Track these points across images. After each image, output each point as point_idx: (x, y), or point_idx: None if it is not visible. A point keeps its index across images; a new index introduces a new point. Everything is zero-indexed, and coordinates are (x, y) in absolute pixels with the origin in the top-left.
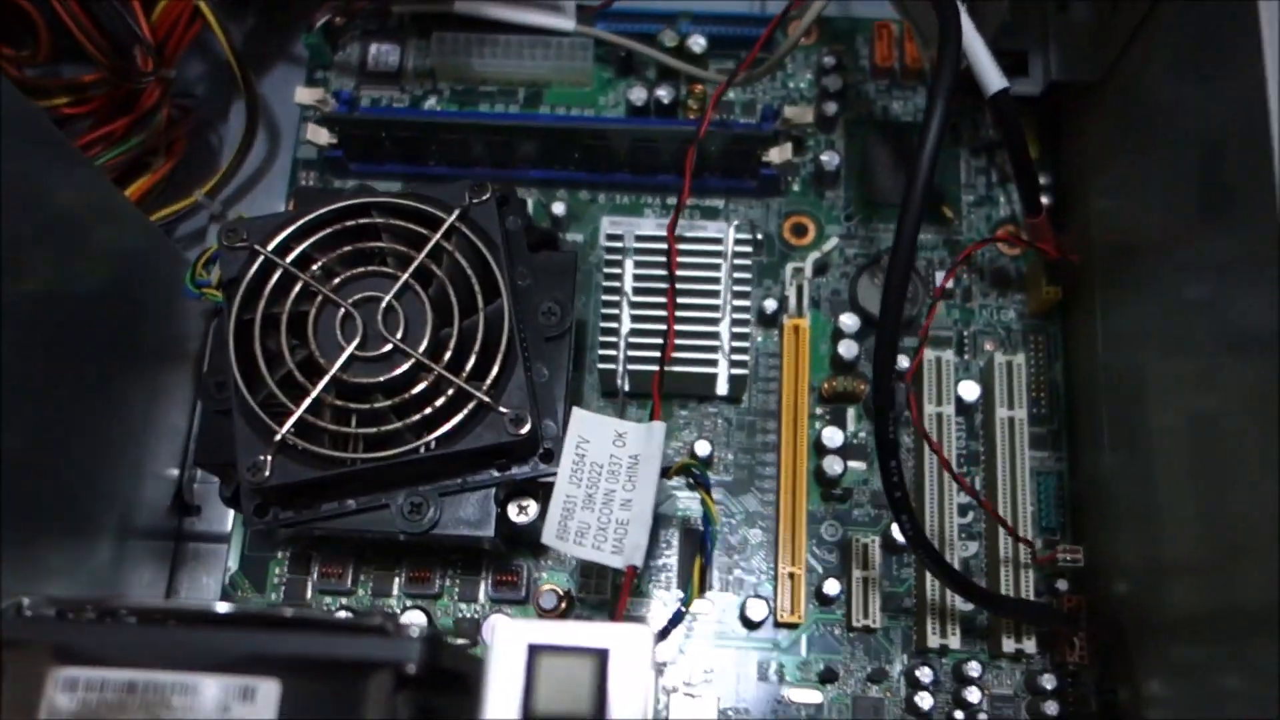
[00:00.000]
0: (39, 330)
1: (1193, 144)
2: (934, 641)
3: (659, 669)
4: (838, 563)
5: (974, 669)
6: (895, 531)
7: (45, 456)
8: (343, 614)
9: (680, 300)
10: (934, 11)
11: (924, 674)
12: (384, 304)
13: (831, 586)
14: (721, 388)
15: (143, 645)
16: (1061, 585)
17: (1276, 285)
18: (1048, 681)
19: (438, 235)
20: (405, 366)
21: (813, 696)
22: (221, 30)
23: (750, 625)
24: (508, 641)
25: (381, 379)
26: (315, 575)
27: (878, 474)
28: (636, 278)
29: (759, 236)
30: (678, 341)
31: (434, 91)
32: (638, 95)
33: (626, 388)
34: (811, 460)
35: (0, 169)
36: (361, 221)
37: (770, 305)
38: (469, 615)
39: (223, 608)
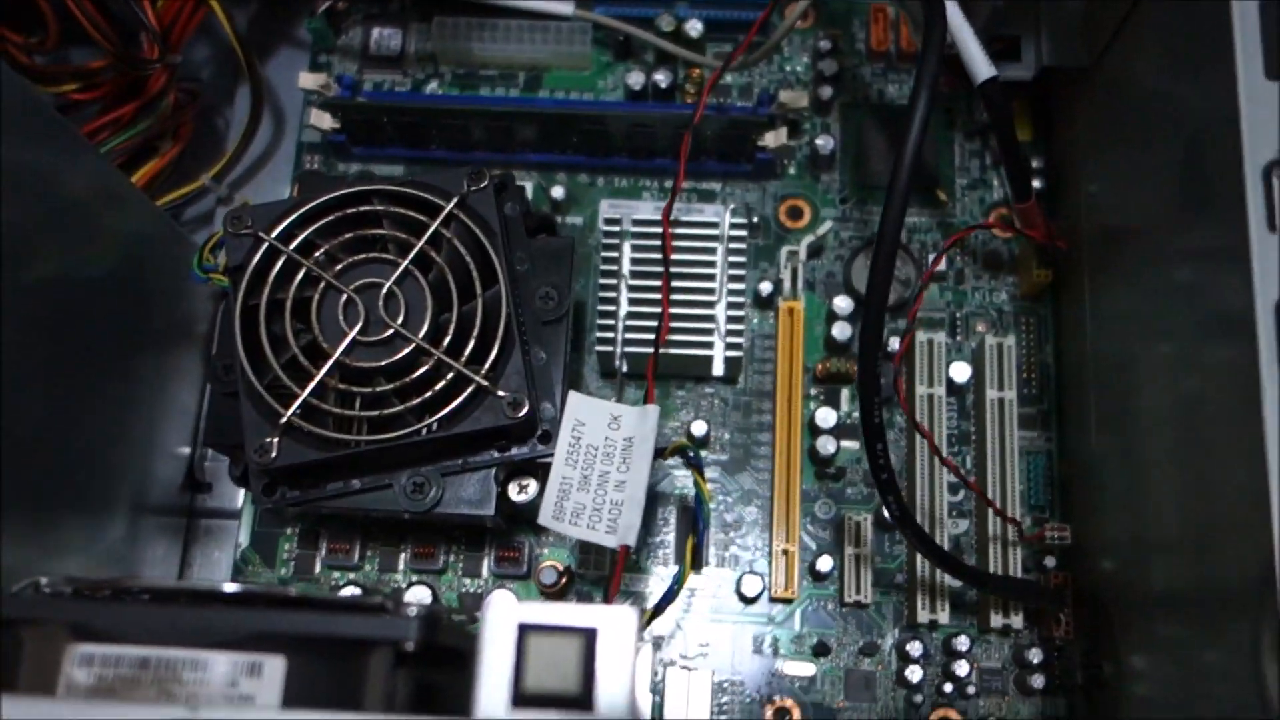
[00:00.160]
0: (52, 314)
1: (1177, 132)
2: (924, 616)
3: (656, 643)
4: (831, 540)
5: (963, 643)
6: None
7: (61, 437)
8: (350, 589)
9: (676, 283)
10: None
11: (914, 648)
12: (385, 290)
13: (825, 563)
14: (718, 369)
15: (155, 623)
16: (1049, 562)
17: (1246, 275)
18: (1034, 656)
19: (436, 222)
20: (406, 351)
21: (806, 669)
22: (226, 16)
23: (746, 600)
24: (499, 621)
25: (383, 363)
26: (323, 551)
27: None
28: (634, 261)
29: (754, 220)
30: (675, 324)
31: (435, 75)
32: (636, 79)
33: (625, 369)
34: (806, 440)
35: (1, 156)
36: (363, 209)
37: (766, 288)
38: (473, 590)
39: (231, 588)
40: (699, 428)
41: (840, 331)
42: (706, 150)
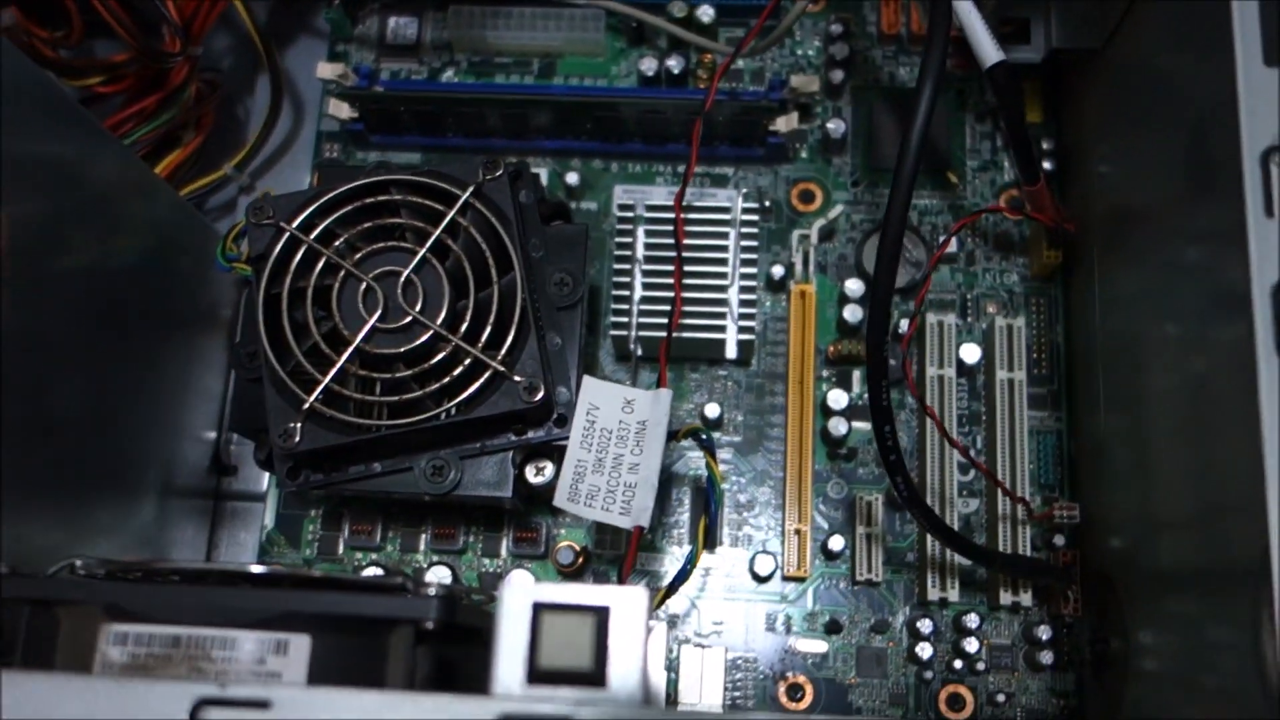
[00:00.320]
0: (83, 303)
1: (1183, 114)
2: (934, 594)
3: (671, 621)
4: (842, 519)
5: (973, 620)
6: None
7: (92, 422)
8: (372, 569)
9: (690, 268)
10: None
11: (925, 625)
12: (403, 278)
13: (836, 542)
14: (730, 351)
15: (186, 603)
16: (1059, 541)
17: (1243, 258)
18: (1043, 632)
19: (453, 211)
20: (424, 337)
21: (818, 646)
22: (245, 7)
23: (759, 579)
24: (514, 600)
25: (402, 349)
26: (346, 532)
27: None
28: (647, 246)
29: (767, 204)
30: (688, 308)
31: (451, 63)
32: (649, 65)
33: (639, 352)
34: (818, 421)
35: None
36: (381, 199)
37: (778, 271)
38: (491, 570)
39: (257, 569)
40: (712, 410)
41: (851, 314)
42: (719, 135)
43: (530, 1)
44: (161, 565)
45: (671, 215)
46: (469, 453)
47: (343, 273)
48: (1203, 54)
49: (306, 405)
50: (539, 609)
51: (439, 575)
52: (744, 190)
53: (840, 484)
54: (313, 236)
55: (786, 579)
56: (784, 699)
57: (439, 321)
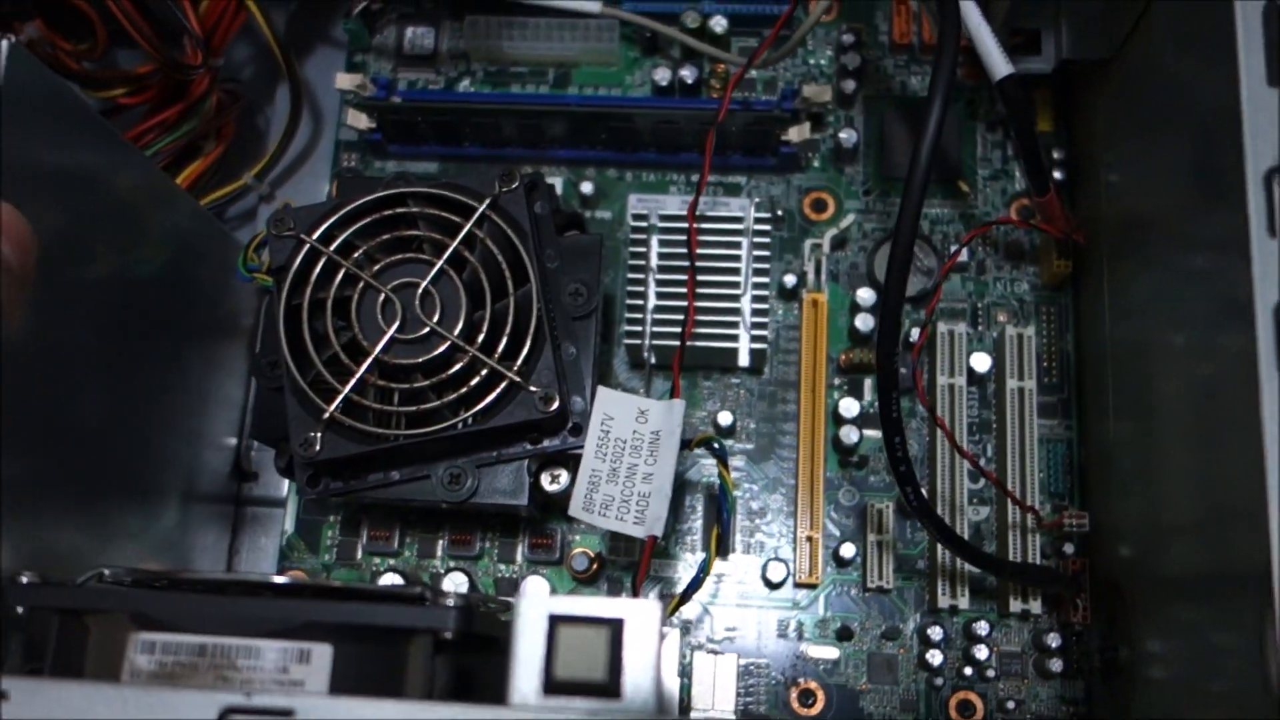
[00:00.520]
0: (107, 312)
1: (1193, 123)
2: (945, 602)
3: (684, 628)
4: (854, 526)
5: (983, 628)
6: None
7: (116, 429)
8: (390, 575)
9: (702, 277)
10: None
11: (935, 632)
12: (421, 289)
13: (848, 549)
14: (743, 360)
15: (212, 612)
16: (1068, 549)
17: (1246, 264)
18: (1053, 640)
19: (470, 223)
20: (442, 348)
21: (830, 653)
22: (265, 21)
23: (771, 586)
24: (531, 613)
25: (420, 360)
26: (365, 538)
27: None
28: (661, 255)
29: (779, 213)
30: (701, 317)
31: (468, 73)
32: (662, 75)
33: (653, 360)
34: (829, 429)
35: None
36: (399, 211)
37: (790, 280)
38: (507, 575)
39: (280, 580)
40: (725, 418)
41: (863, 323)
42: (732, 145)
43: (546, 12)
44: (188, 575)
45: (684, 225)
46: (485, 461)
47: (362, 284)
48: (1211, 65)
49: (326, 415)
50: (555, 621)
51: (456, 581)
52: (756, 199)
53: (852, 491)
54: (332, 248)
55: (798, 586)
56: (796, 705)
57: (456, 332)
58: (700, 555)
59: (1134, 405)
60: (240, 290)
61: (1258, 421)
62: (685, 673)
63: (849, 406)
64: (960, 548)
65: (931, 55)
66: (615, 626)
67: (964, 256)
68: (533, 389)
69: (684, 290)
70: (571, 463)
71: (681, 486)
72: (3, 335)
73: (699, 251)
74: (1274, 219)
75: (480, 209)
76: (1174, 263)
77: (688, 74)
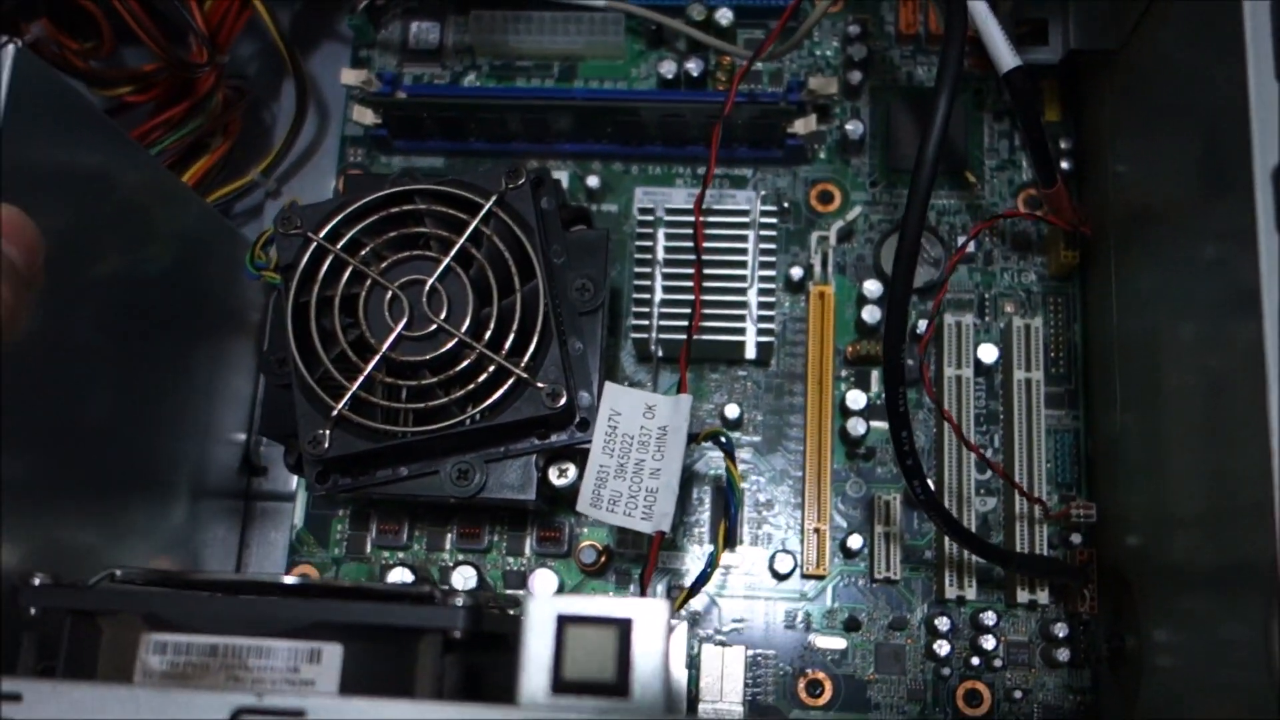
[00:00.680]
0: (116, 310)
1: (1201, 114)
2: (952, 592)
3: (692, 620)
4: (861, 518)
5: (990, 618)
6: None
7: (127, 425)
8: (399, 569)
9: (709, 270)
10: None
11: (942, 623)
12: (428, 286)
13: (855, 541)
14: (750, 352)
15: (222, 613)
16: (1075, 539)
17: (1253, 256)
18: (1060, 630)
19: (476, 220)
20: (449, 345)
21: (837, 643)
22: (270, 17)
23: (779, 577)
24: (539, 613)
25: (428, 357)
26: (374, 532)
27: None
28: (668, 249)
29: (785, 205)
30: (708, 310)
31: (473, 67)
32: (668, 69)
33: (660, 353)
34: (836, 421)
35: None
36: (406, 208)
37: (797, 273)
38: (516, 569)
39: (290, 580)
40: (732, 410)
41: (870, 315)
42: (738, 137)
43: (551, 5)
44: (199, 576)
45: (690, 219)
46: (493, 456)
47: (369, 281)
48: (1219, 56)
49: (335, 413)
50: (563, 621)
51: (464, 575)
52: (762, 192)
53: (859, 483)
54: (339, 246)
55: (806, 577)
56: (803, 695)
57: (463, 329)
58: (707, 547)
59: (1141, 396)
60: (247, 286)
61: (1264, 413)
62: (693, 664)
63: (856, 398)
64: (968, 541)
65: (938, 45)
66: (624, 626)
67: (971, 248)
68: (540, 385)
69: (691, 283)
70: (579, 457)
71: (689, 479)
72: (9, 337)
73: (705, 245)
74: None
75: (487, 206)
76: (1181, 253)
77: (693, 67)
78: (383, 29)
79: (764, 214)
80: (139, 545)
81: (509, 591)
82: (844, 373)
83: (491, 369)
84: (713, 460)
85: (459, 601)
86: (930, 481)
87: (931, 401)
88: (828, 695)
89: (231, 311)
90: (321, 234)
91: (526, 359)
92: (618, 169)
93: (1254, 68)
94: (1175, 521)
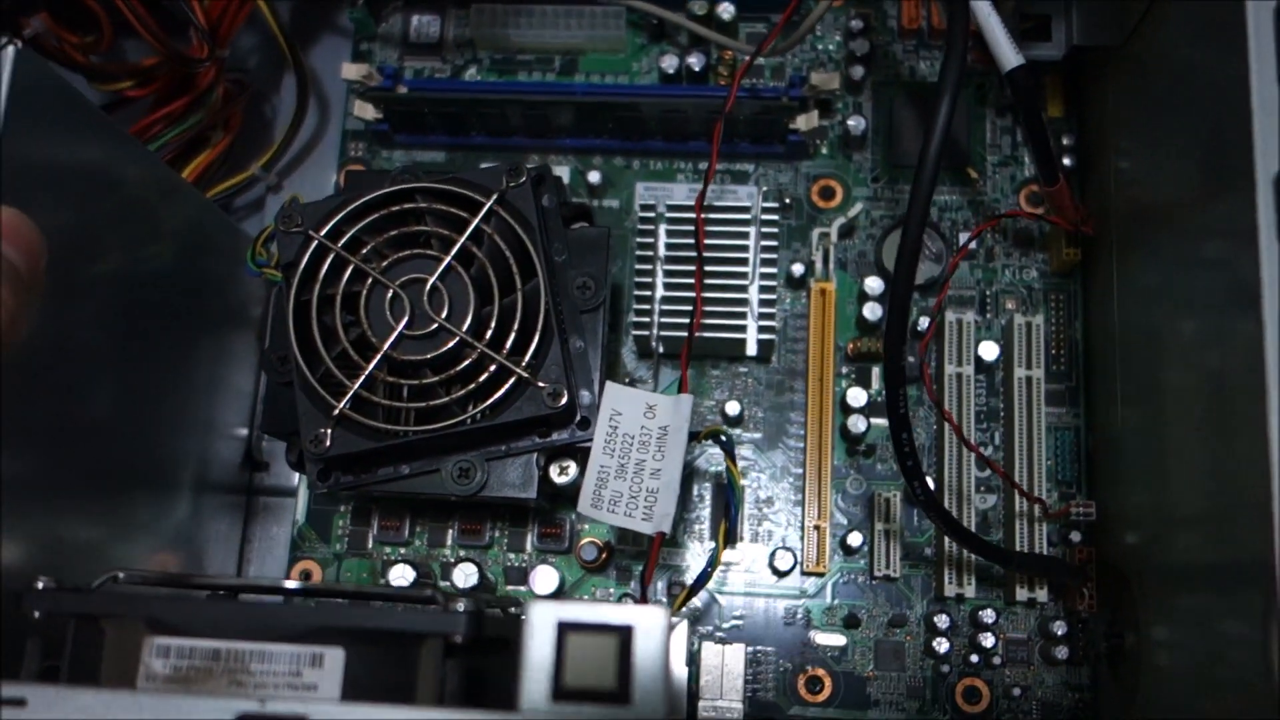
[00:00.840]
0: (118, 306)
1: (1203, 111)
2: (951, 590)
3: (692, 617)
4: (861, 515)
5: (989, 615)
6: None
7: (129, 422)
8: (401, 565)
9: (710, 266)
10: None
11: (942, 620)
12: (429, 285)
13: (855, 538)
14: (751, 349)
15: (225, 617)
16: (1075, 537)
17: (1255, 255)
18: (1059, 628)
19: (477, 219)
20: (451, 344)
21: (837, 640)
22: (270, 11)
23: (779, 574)
24: (540, 620)
25: (429, 356)
26: (375, 528)
27: None
28: (669, 246)
29: (787, 201)
30: (709, 307)
31: (474, 61)
32: (669, 63)
33: (661, 350)
34: (837, 418)
35: None
36: (407, 206)
37: (798, 269)
38: (517, 565)
39: (292, 584)
40: (733, 407)
41: (871, 311)
42: (739, 133)
43: None
44: (201, 580)
45: (692, 215)
46: (494, 455)
47: (370, 280)
48: (1222, 55)
49: (336, 411)
50: (564, 629)
51: (465, 571)
52: (764, 188)
53: (859, 480)
54: (340, 244)
55: (806, 574)
56: (803, 691)
57: (464, 328)
58: (708, 544)
59: (1142, 394)
60: (248, 281)
61: (1264, 412)
62: (693, 661)
63: (857, 395)
64: (967, 540)
65: (941, 40)
66: (624, 634)
67: (972, 245)
68: (541, 384)
69: (692, 279)
70: (580, 455)
71: (689, 476)
72: (10, 340)
73: (707, 241)
74: None
75: (488, 204)
76: (1183, 250)
77: (695, 61)
78: (383, 22)
79: (765, 210)
80: (142, 541)
81: (510, 588)
82: (845, 369)
83: (493, 368)
84: (713, 456)
85: (460, 606)
86: (930, 478)
87: (932, 401)
88: (827, 692)
89: (232, 306)
90: (323, 232)
91: (528, 358)
92: (619, 164)
93: (1256, 72)
94: (1175, 520)
